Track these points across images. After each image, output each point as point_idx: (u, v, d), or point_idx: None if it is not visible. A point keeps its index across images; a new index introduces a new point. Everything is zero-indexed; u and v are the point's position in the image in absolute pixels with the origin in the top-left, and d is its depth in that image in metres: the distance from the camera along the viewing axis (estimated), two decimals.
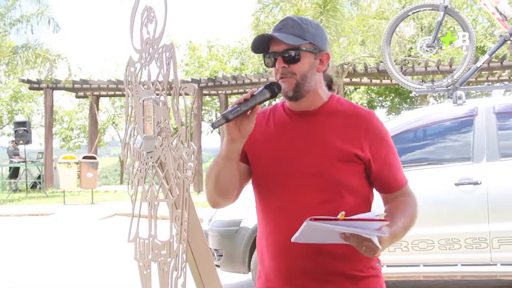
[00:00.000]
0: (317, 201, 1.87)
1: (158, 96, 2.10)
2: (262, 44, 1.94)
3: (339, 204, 1.86)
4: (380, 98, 27.30)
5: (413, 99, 25.33)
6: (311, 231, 1.69)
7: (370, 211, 1.97)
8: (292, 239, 1.73)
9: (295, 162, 1.91)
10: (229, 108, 1.82)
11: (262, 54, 1.96)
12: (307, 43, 1.91)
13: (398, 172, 1.98)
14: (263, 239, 2.00)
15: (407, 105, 25.86)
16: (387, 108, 27.35)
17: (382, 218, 1.71)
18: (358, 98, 24.33)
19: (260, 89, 1.87)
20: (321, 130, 1.93)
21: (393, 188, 1.97)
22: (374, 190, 2.02)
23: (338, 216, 1.64)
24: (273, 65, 1.92)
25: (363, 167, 1.92)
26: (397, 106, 26.86)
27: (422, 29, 17.94)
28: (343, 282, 1.90)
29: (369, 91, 26.06)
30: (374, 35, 14.72)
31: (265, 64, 1.97)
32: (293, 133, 1.95)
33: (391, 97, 26.52)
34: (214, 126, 1.81)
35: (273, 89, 1.89)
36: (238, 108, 1.81)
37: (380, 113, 27.15)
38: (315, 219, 1.63)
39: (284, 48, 1.90)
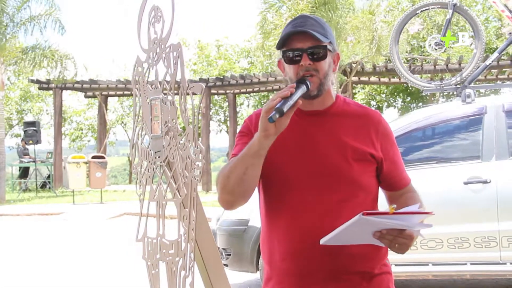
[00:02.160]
0: (335, 201, 1.87)
1: (165, 96, 2.10)
2: (281, 40, 1.92)
3: (354, 203, 1.86)
4: (389, 98, 27.12)
5: (425, 98, 25.15)
6: (350, 230, 1.68)
7: (377, 209, 1.97)
8: (322, 241, 1.71)
9: (310, 162, 1.90)
10: (278, 103, 1.73)
11: (281, 50, 1.93)
12: (329, 42, 1.92)
13: (403, 170, 2.04)
14: (273, 240, 1.96)
15: (421, 104, 25.63)
16: (399, 107, 27.12)
17: (426, 211, 1.73)
18: (363, 97, 24.26)
19: (297, 84, 1.83)
20: (334, 130, 1.93)
21: (400, 186, 2.03)
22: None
23: (388, 210, 1.65)
24: (293, 62, 1.90)
25: (375, 166, 1.95)
26: (409, 105, 26.62)
27: (432, 27, 17.82)
28: (358, 280, 1.90)
29: (376, 90, 25.93)
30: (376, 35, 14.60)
31: (285, 61, 1.93)
32: (305, 133, 1.94)
33: (401, 97, 26.32)
34: (271, 120, 1.75)
35: (307, 84, 1.86)
36: (289, 102, 1.75)
37: (392, 113, 27.04)
38: (368, 214, 1.63)
39: (309, 45, 1.88)
